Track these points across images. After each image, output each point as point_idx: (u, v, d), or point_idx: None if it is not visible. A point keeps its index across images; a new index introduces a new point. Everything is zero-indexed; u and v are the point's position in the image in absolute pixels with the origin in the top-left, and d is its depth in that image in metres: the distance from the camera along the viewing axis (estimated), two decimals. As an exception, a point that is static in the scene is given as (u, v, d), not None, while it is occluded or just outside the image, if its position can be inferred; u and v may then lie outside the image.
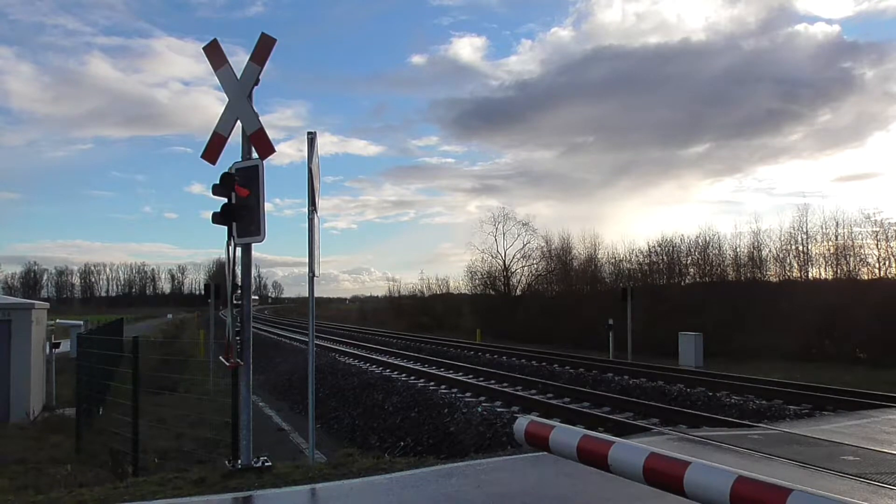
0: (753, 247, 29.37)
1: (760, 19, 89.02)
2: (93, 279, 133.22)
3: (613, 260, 35.85)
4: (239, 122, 6.28)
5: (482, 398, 13.28)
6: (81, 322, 27.57)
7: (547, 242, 42.30)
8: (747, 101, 69.81)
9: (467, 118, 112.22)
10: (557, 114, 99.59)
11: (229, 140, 6.37)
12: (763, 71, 71.49)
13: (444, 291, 54.92)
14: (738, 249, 30.17)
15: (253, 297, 6.36)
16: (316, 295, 6.96)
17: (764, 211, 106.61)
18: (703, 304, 26.43)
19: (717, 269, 30.66)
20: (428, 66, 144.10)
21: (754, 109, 68.48)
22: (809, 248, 27.85)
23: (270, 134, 6.21)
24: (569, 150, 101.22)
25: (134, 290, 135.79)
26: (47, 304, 19.66)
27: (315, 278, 6.79)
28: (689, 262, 31.74)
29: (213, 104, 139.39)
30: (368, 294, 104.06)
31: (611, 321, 22.09)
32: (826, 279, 27.13)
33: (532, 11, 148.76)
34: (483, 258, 46.38)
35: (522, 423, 3.97)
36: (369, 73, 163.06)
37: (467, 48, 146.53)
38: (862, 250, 26.33)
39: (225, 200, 6.09)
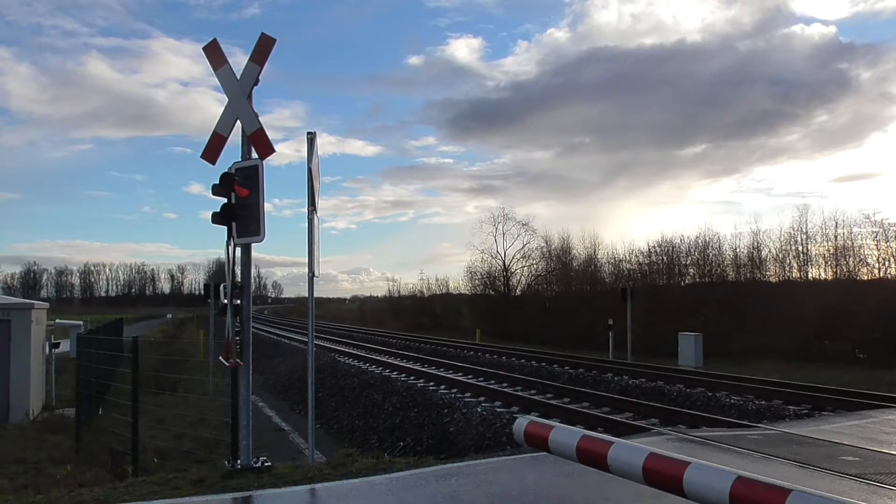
0: (753, 247, 29.42)
1: (756, 20, 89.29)
2: (92, 279, 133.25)
3: (613, 260, 35.90)
4: (238, 122, 6.28)
5: (482, 398, 13.27)
6: (81, 322, 27.54)
7: (546, 243, 42.37)
8: (743, 102, 70.10)
9: (463, 119, 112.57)
10: (554, 114, 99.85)
11: (229, 140, 6.37)
12: (759, 72, 71.80)
13: (443, 291, 54.98)
14: (737, 250, 30.24)
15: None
16: (315, 295, 6.97)
17: (763, 211, 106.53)
18: (703, 304, 26.46)
19: (716, 270, 30.67)
20: (424, 66, 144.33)
21: (750, 110, 68.77)
22: (809, 248, 27.89)
23: (269, 134, 6.21)
24: (566, 151, 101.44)
25: (134, 290, 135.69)
26: (47, 304, 19.64)
27: (315, 278, 6.79)
28: (688, 262, 31.75)
29: (211, 104, 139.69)
30: (368, 294, 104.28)
31: (610, 321, 22.10)
32: (826, 279, 27.14)
33: (528, 13, 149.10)
34: (483, 258, 46.45)
35: (522, 423, 3.97)
36: (366, 74, 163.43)
37: (464, 49, 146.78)
38: (861, 251, 26.35)
39: (224, 200, 6.09)
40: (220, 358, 6.28)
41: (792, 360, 21.12)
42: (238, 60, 6.37)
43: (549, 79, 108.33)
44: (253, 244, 6.26)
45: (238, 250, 6.19)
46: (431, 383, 15.58)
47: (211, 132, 6.40)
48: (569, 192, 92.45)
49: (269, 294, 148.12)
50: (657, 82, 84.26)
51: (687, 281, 31.62)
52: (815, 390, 12.95)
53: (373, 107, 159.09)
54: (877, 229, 25.51)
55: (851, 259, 26.46)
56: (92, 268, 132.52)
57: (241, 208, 6.07)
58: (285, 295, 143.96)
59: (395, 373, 17.79)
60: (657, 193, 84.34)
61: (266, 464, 6.08)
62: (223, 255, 6.10)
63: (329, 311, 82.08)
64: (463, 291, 51.29)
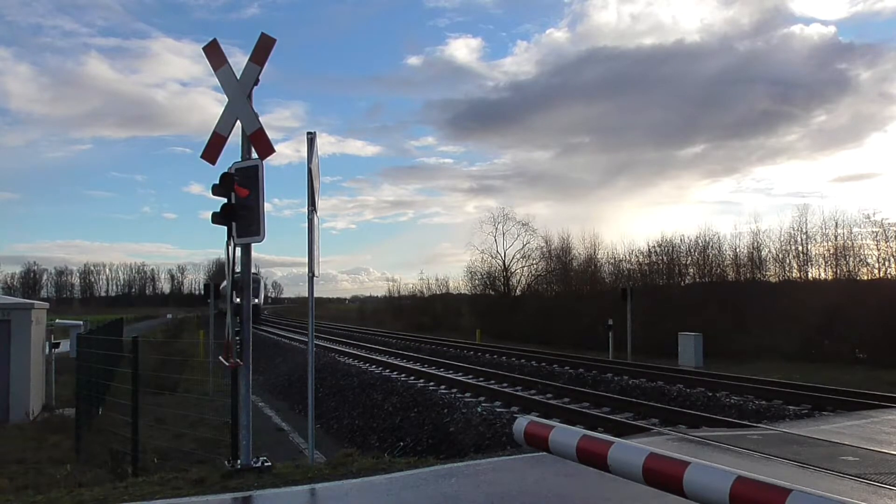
0: (753, 247, 29.45)
1: (755, 21, 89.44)
2: (92, 279, 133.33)
3: (613, 260, 35.91)
4: (238, 122, 6.28)
5: (482, 398, 13.27)
6: (81, 322, 27.54)
7: (547, 242, 42.40)
8: (742, 102, 70.18)
9: (463, 119, 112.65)
10: (553, 114, 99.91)
11: (229, 140, 6.37)
12: (758, 72, 71.86)
13: (443, 291, 55.00)
14: (737, 250, 30.27)
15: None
16: (315, 295, 6.97)
17: (763, 211, 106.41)
18: (703, 304, 26.44)
19: (716, 270, 30.69)
20: (424, 67, 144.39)
21: (750, 110, 68.85)
22: (809, 248, 27.92)
23: (269, 134, 6.21)
24: (565, 151, 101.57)
25: (134, 290, 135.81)
26: (47, 304, 19.65)
27: (315, 278, 6.79)
28: (688, 262, 31.77)
29: (210, 104, 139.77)
30: (368, 294, 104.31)
31: (610, 321, 22.09)
32: (826, 279, 27.16)
33: (528, 13, 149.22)
34: (483, 258, 46.49)
35: (522, 423, 3.97)
36: (366, 74, 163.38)
37: (463, 49, 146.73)
38: (861, 251, 26.38)
39: (224, 200, 6.09)
40: (220, 358, 6.28)
41: (792, 360, 21.12)
42: (238, 60, 6.38)
43: (549, 79, 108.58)
44: (253, 244, 6.26)
45: (238, 250, 6.20)
46: (431, 383, 15.58)
47: (211, 132, 6.40)
48: (568, 192, 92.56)
49: (269, 294, 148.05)
50: (656, 82, 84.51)
51: (687, 281, 31.63)
52: (815, 390, 12.95)
53: (372, 107, 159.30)
54: (877, 229, 25.57)
55: (851, 259, 26.50)
56: (92, 268, 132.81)
57: (241, 208, 6.07)
58: (285, 295, 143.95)
59: (395, 373, 17.79)
60: (657, 193, 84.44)
61: (266, 464, 6.08)
62: (223, 255, 6.11)
63: (329, 311, 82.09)
64: (463, 291, 51.39)
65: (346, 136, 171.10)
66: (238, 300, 6.12)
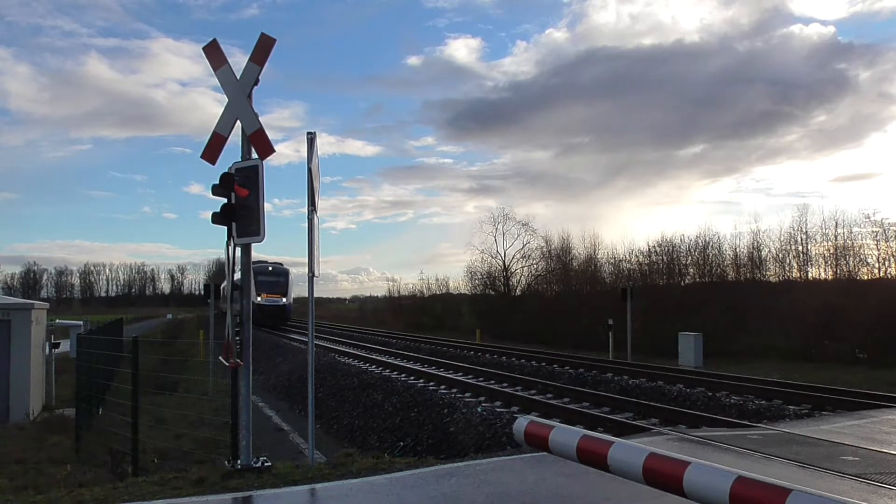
0: (753, 247, 29.45)
1: (754, 20, 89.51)
2: (92, 279, 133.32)
3: (613, 260, 35.86)
4: (238, 122, 6.28)
5: (482, 398, 13.27)
6: (81, 322, 27.55)
7: (547, 242, 42.37)
8: (742, 102, 70.28)
9: (462, 119, 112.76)
10: (552, 114, 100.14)
11: (229, 140, 6.37)
12: (757, 72, 71.96)
13: (443, 291, 54.96)
14: (737, 249, 30.27)
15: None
16: (315, 295, 6.97)
17: (763, 211, 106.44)
18: (703, 304, 26.45)
19: (716, 270, 30.68)
20: (423, 67, 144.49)
21: (749, 110, 68.95)
22: (809, 248, 27.91)
23: (268, 134, 6.21)
24: (565, 151, 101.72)
25: (134, 290, 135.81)
26: (47, 305, 19.66)
27: (314, 278, 6.79)
28: (688, 262, 31.76)
29: (210, 105, 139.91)
30: (368, 294, 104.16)
31: (611, 321, 22.08)
32: (826, 279, 27.15)
33: (527, 13, 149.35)
34: (483, 258, 46.45)
35: (522, 423, 3.97)
36: (365, 74, 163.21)
37: (462, 49, 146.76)
38: (861, 250, 26.38)
39: (224, 200, 6.10)
40: (221, 358, 6.28)
41: (792, 359, 21.11)
42: (238, 60, 6.39)
43: (548, 79, 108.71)
44: (253, 244, 6.26)
45: (238, 250, 6.20)
46: (431, 383, 15.58)
47: (211, 132, 6.40)
48: (568, 192, 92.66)
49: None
50: (656, 82, 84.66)
51: (687, 281, 31.62)
52: (815, 390, 12.95)
53: (372, 107, 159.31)
54: (877, 229, 25.57)
55: (851, 259, 26.50)
56: (92, 268, 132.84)
57: (241, 208, 6.08)
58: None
59: (395, 373, 17.78)
60: (657, 193, 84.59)
61: (266, 464, 6.08)
62: (223, 255, 6.11)
63: (329, 311, 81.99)
64: (463, 291, 51.35)
65: (345, 136, 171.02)
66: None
